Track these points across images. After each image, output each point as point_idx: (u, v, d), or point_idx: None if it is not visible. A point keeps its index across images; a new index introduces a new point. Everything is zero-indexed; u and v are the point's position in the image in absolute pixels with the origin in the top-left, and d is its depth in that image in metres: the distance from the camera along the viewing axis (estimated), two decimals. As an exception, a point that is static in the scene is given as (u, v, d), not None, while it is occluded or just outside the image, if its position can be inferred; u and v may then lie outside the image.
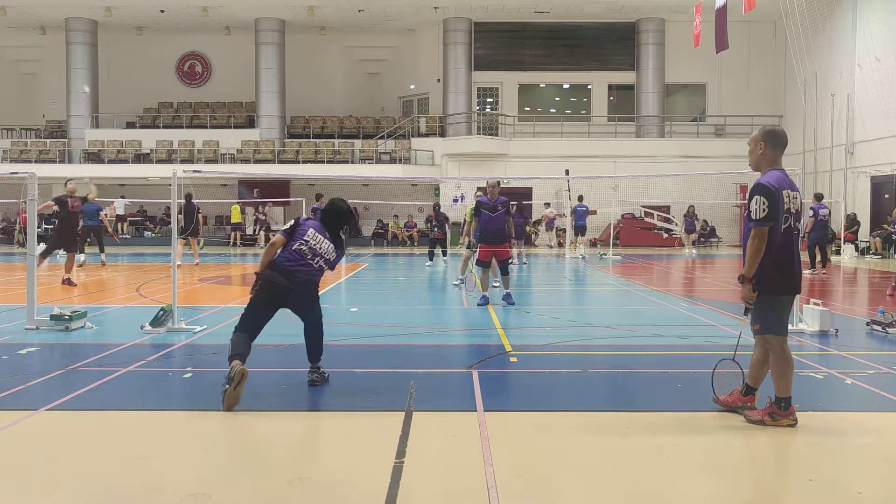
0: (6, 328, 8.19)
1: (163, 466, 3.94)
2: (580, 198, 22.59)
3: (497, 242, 10.40)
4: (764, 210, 4.45)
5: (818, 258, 16.19)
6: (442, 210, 19.16)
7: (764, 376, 4.91)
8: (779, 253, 4.56)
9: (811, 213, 15.85)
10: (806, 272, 15.78)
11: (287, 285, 5.34)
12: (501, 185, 10.71)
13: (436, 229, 18.18)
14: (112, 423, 4.75)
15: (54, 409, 4.99)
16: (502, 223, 10.37)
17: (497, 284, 11.62)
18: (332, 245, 5.52)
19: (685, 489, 3.72)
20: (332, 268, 5.62)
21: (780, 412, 4.59)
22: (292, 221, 5.65)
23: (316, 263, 5.45)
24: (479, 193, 13.27)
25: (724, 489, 3.77)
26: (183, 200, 17.25)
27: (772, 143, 4.68)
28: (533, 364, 6.74)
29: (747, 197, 4.64)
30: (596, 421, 4.83)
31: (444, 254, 18.62)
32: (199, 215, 18.32)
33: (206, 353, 6.84)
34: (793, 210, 4.61)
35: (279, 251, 5.48)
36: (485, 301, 10.38)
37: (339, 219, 5.65)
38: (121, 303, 10.79)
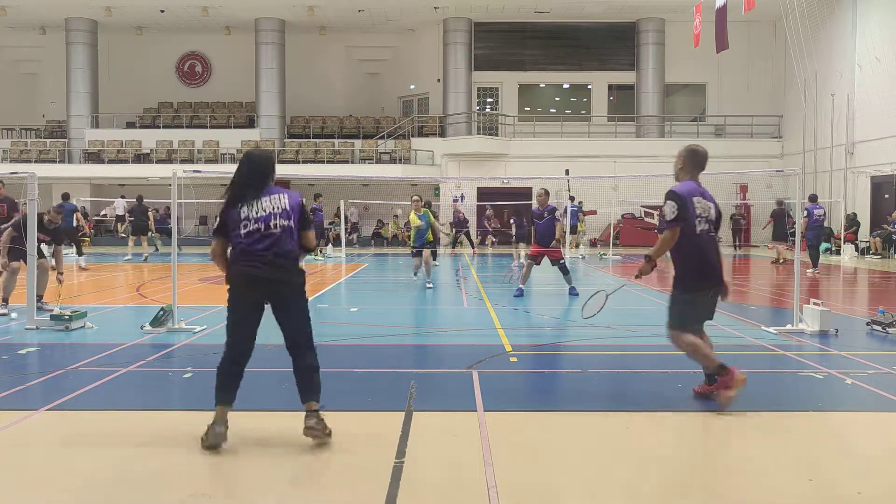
0: (6, 328, 8.20)
1: (163, 466, 3.94)
2: (570, 198, 22.70)
3: (546, 245, 11.50)
4: (674, 212, 5.04)
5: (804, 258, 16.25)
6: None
7: (708, 357, 5.12)
8: (690, 254, 5.07)
9: (805, 213, 15.85)
10: (808, 272, 15.83)
11: (262, 275, 4.16)
12: (502, 186, 11.38)
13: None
14: (112, 423, 4.75)
15: (54, 409, 4.99)
16: (549, 228, 11.48)
17: (430, 286, 12.64)
18: (281, 195, 4.24)
19: (685, 489, 3.72)
20: (297, 216, 4.24)
21: (724, 379, 4.89)
22: (217, 220, 4.41)
23: (276, 227, 4.17)
24: (416, 198, 13.35)
25: (724, 489, 3.77)
26: (135, 201, 19.27)
27: (690, 161, 5.28)
28: (533, 364, 6.75)
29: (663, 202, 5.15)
30: (596, 421, 4.84)
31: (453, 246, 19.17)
32: (151, 214, 20.03)
33: (206, 353, 6.83)
34: (705, 216, 5.12)
35: (229, 252, 4.33)
36: (520, 293, 11.38)
37: (262, 174, 4.33)
38: (121, 303, 10.79)
